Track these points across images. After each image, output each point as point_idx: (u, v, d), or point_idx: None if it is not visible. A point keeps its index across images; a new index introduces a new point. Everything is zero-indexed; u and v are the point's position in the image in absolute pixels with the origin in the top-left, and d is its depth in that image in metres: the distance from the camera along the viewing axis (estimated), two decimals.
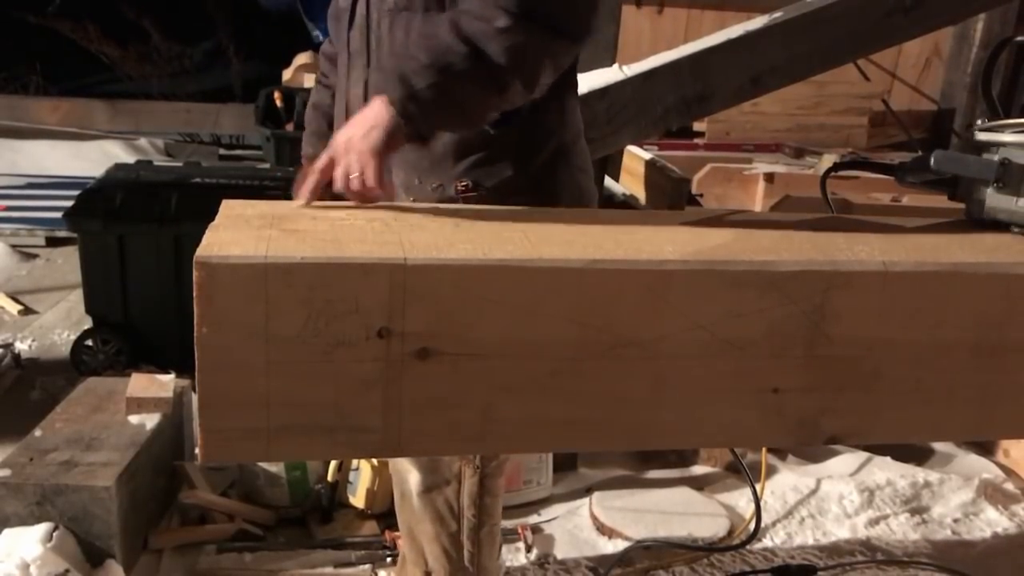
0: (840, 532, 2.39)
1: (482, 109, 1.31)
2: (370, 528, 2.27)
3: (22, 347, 3.29)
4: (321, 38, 3.95)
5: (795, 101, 4.66)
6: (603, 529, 2.34)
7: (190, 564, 2.10)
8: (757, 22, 2.61)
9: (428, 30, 1.33)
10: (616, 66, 2.55)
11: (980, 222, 1.26)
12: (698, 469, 2.66)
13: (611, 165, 3.20)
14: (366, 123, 1.23)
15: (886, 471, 2.61)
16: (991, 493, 2.57)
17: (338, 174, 1.22)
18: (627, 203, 3.04)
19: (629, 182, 3.25)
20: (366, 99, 1.38)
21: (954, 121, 5.09)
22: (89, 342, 3.04)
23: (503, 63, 1.24)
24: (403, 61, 1.26)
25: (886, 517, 2.46)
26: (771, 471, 2.58)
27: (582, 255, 1.02)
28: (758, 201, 3.59)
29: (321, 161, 1.23)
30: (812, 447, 2.70)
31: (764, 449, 2.46)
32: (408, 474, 1.60)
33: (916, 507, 2.51)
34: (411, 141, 1.26)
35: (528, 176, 1.46)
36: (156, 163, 3.83)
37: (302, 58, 5.73)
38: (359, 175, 1.20)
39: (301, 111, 5.06)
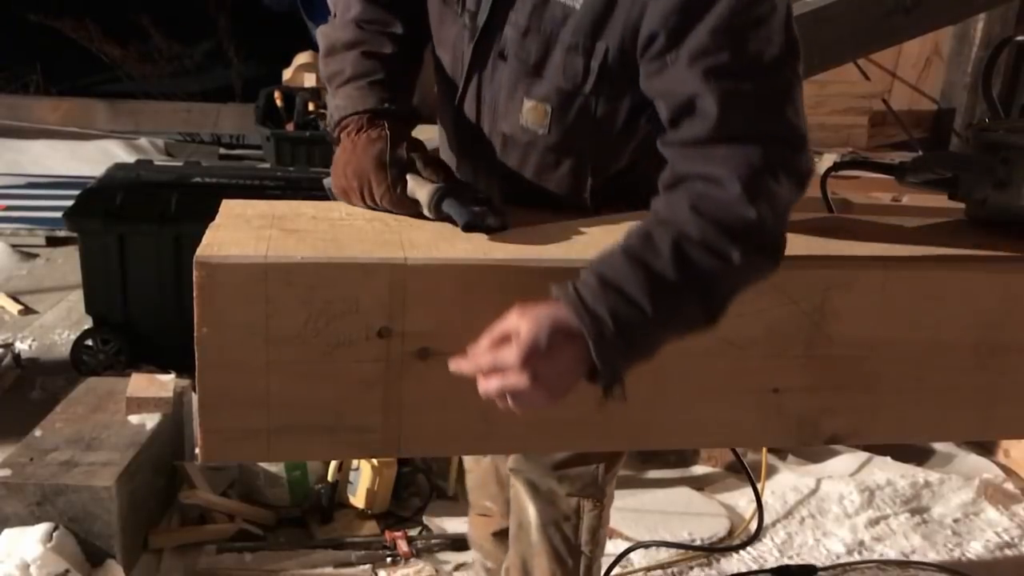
0: (840, 532, 2.39)
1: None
2: (370, 528, 2.27)
3: (22, 347, 3.29)
4: None
5: None
6: None
7: (190, 564, 2.11)
8: None
9: (644, 252, 1.02)
10: None
11: (980, 222, 1.26)
12: (698, 469, 2.65)
13: None
14: (560, 361, 0.97)
15: (886, 471, 2.60)
16: (991, 493, 2.57)
17: (492, 386, 0.96)
18: None
19: None
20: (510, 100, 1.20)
21: (954, 121, 5.08)
22: (89, 342, 3.04)
23: (724, 306, 1.04)
24: (619, 302, 0.98)
25: (886, 517, 2.46)
26: (771, 471, 2.57)
27: (582, 255, 1.02)
28: None
29: (494, 336, 0.97)
30: (812, 447, 2.70)
31: (764, 449, 2.45)
32: (527, 506, 1.54)
33: (916, 507, 2.50)
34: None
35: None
36: (156, 163, 3.83)
37: (302, 58, 5.72)
38: (519, 403, 0.97)
39: (301, 111, 5.05)
